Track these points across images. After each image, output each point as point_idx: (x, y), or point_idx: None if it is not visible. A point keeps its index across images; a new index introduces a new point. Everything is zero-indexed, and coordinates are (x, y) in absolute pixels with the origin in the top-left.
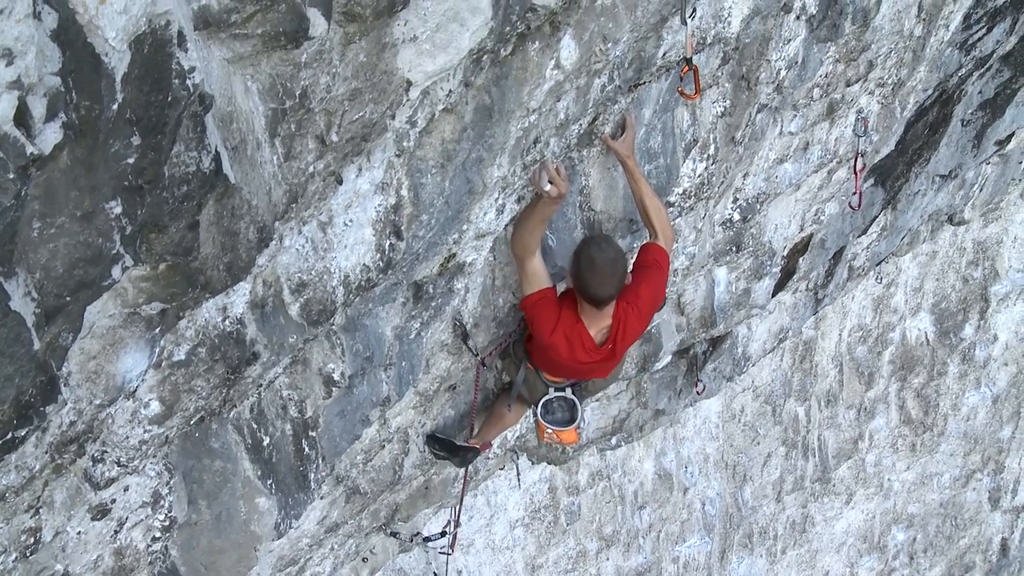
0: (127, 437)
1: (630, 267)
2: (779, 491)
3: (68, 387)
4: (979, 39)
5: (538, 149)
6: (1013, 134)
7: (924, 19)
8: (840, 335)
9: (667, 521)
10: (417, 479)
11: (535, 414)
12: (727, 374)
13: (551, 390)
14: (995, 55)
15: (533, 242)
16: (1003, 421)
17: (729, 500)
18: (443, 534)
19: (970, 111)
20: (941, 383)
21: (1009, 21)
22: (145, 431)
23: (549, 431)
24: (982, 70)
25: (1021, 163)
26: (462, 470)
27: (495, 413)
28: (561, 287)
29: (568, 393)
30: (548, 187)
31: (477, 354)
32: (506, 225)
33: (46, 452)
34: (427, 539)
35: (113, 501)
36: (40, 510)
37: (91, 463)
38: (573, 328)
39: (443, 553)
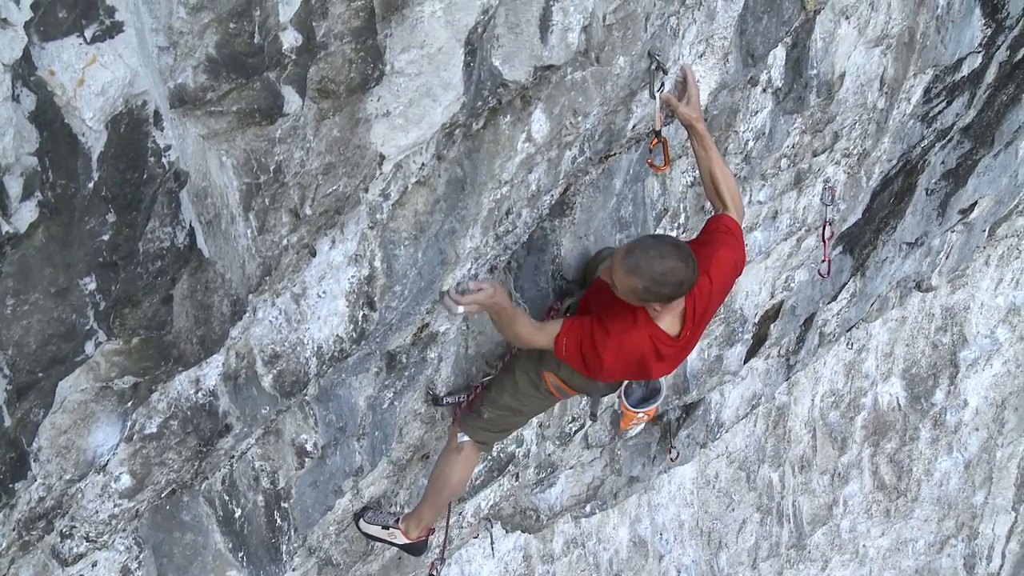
0: (97, 512)
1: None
2: (754, 558)
3: (38, 463)
4: (940, 112)
5: (510, 220)
6: (976, 203)
7: (886, 92)
8: (813, 400)
9: None
10: (390, 549)
11: (619, 400)
12: (700, 440)
13: None
14: (955, 127)
15: (531, 331)
16: (976, 486)
17: (704, 567)
18: None
19: (934, 181)
20: (913, 448)
21: (967, 95)
22: (115, 505)
23: (640, 414)
24: (944, 141)
25: (985, 231)
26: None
27: (443, 472)
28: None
29: None
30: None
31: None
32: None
33: (13, 529)
34: None
35: None
36: None
37: (59, 539)
38: (644, 332)
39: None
